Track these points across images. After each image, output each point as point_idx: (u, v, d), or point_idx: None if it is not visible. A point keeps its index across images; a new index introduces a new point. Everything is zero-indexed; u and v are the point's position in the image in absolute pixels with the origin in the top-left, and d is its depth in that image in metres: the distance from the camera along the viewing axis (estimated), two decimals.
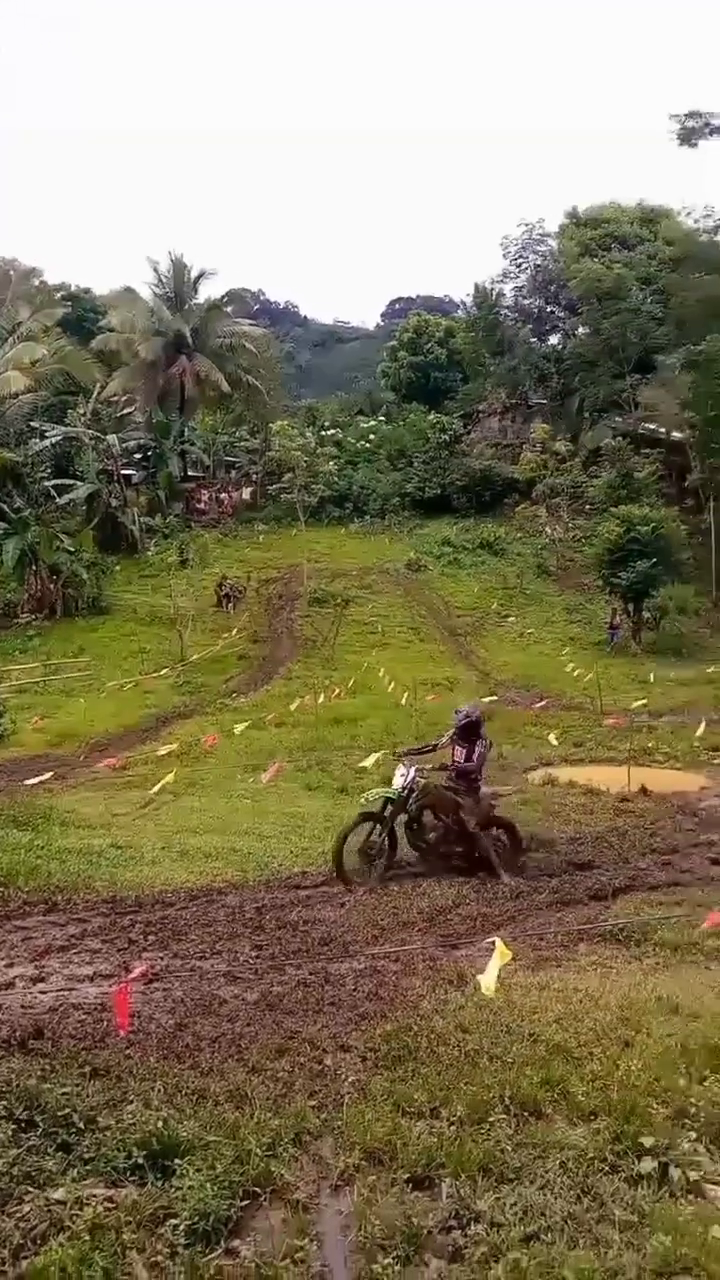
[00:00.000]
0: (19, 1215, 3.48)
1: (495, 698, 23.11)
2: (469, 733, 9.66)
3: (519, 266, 59.47)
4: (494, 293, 60.21)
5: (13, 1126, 4.01)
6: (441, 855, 9.59)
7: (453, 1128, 4.04)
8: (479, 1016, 5.12)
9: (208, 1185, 3.54)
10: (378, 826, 9.29)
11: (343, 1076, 4.56)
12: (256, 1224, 3.51)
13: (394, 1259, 3.26)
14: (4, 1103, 4.13)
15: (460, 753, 9.71)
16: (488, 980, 5.47)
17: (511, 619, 40.23)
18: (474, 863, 9.44)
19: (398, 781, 9.54)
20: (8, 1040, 4.89)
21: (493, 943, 5.77)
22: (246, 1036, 5.00)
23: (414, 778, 9.48)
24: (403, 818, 9.49)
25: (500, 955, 5.61)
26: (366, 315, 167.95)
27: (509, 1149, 3.86)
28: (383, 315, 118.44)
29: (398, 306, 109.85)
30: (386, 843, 9.31)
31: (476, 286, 61.39)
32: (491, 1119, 4.07)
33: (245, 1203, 3.56)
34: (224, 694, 27.38)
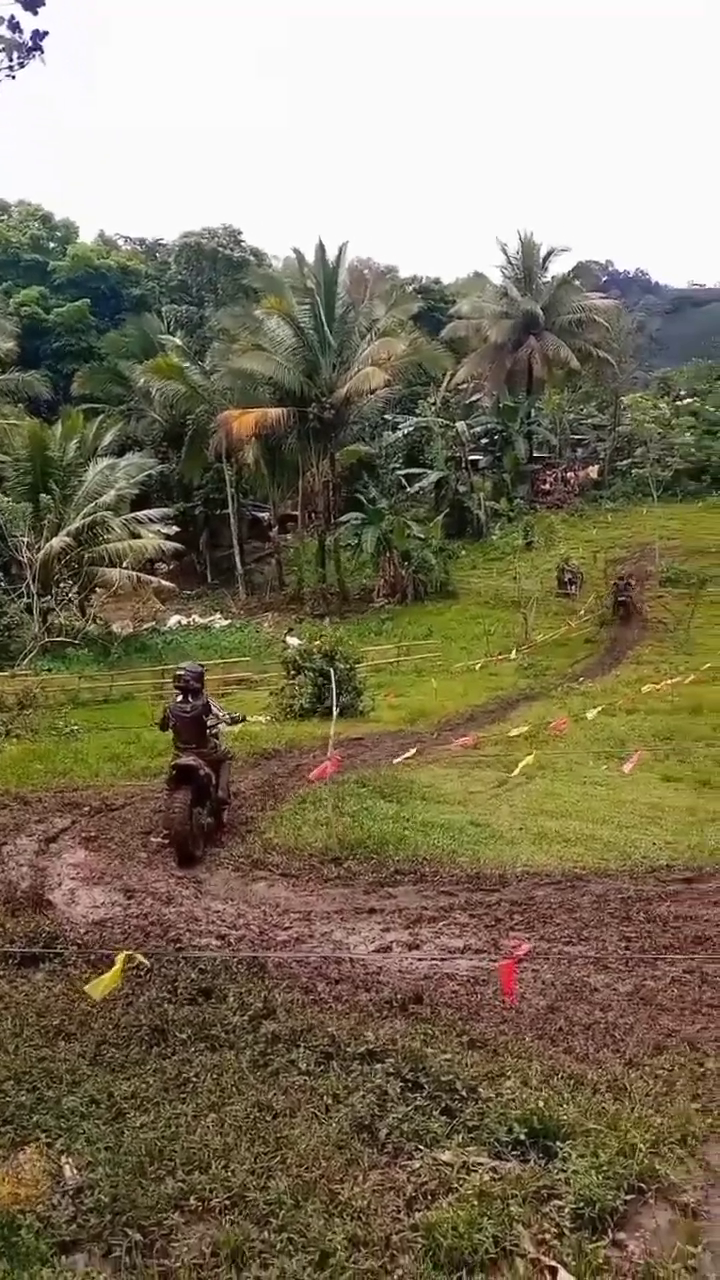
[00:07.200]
0: (410, 1169, 3.70)
1: None
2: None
3: None
4: None
5: (400, 1084, 4.26)
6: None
7: None
8: None
9: (592, 1173, 3.54)
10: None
11: None
12: (642, 1221, 3.45)
13: None
14: (392, 1060, 4.41)
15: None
16: None
17: None
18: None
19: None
20: (390, 1001, 5.20)
21: None
22: (621, 1028, 4.92)
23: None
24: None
25: None
26: None
27: None
28: None
29: None
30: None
31: None
32: None
33: (630, 1197, 3.51)
34: (570, 677, 27.04)
